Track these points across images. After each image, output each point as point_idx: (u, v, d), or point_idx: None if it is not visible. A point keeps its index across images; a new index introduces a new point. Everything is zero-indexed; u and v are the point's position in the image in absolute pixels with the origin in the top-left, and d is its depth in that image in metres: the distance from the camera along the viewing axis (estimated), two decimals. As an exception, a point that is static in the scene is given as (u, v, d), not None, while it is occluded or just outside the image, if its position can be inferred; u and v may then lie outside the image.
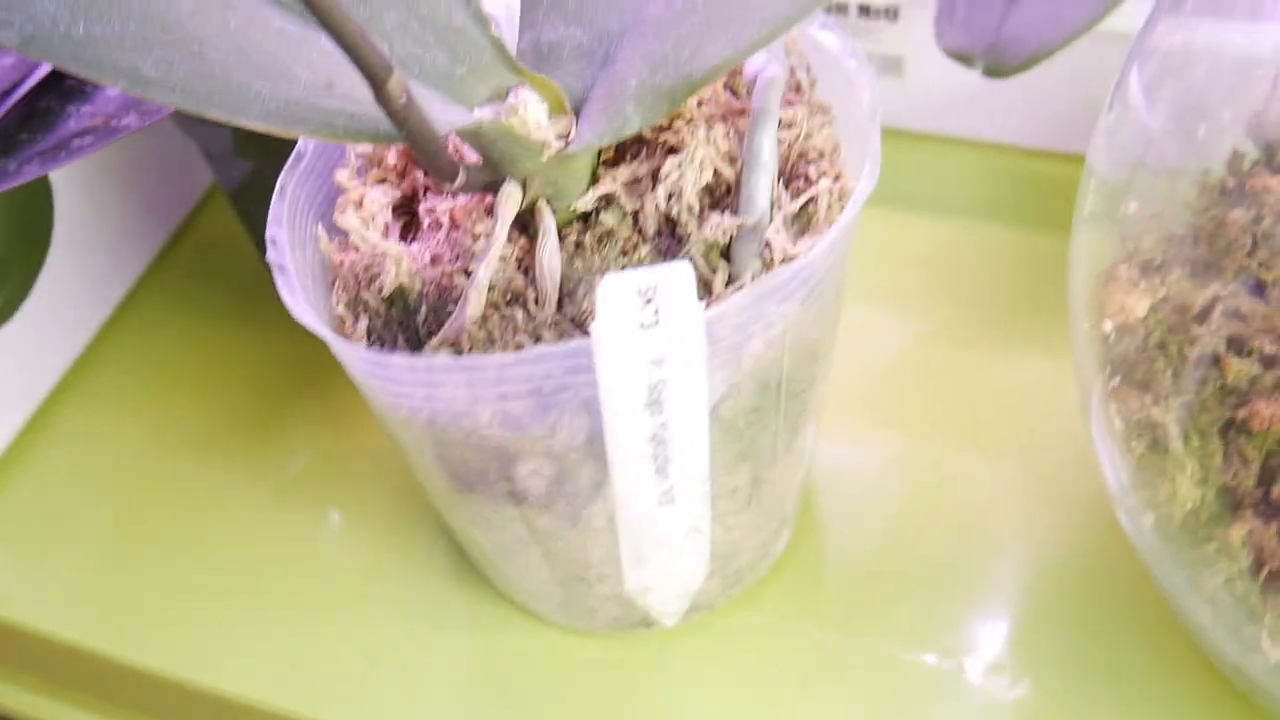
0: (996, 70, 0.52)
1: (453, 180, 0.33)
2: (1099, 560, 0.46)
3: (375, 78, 0.28)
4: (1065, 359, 0.52)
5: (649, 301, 0.30)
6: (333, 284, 0.38)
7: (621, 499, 0.37)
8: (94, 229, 0.57)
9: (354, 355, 0.33)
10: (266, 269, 0.35)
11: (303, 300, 0.34)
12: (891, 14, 0.60)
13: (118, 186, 0.58)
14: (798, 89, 0.39)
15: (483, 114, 0.33)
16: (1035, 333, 0.55)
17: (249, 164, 0.55)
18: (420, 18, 0.33)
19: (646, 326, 0.31)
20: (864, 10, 0.61)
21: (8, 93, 0.43)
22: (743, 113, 0.36)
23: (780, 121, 0.36)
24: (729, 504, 0.39)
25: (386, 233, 0.39)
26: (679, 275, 0.30)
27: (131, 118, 0.40)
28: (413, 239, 0.39)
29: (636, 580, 0.41)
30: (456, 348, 0.34)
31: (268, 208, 0.36)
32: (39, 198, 0.52)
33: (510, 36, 0.46)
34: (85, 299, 0.58)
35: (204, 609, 0.49)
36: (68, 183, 0.55)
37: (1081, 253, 0.40)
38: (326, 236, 0.38)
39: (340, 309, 0.38)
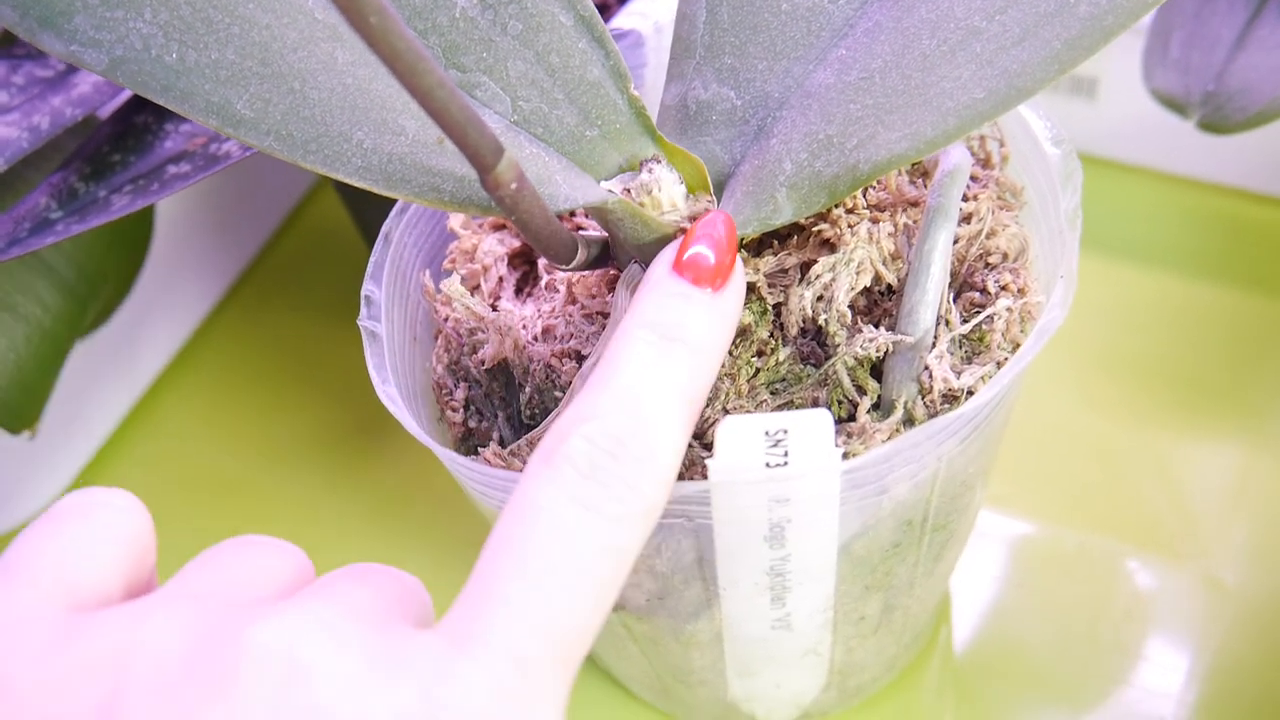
0: (1216, 125, 0.45)
1: (569, 263, 0.28)
2: None
3: (481, 161, 0.24)
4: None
5: (778, 443, 0.26)
6: (437, 337, 0.35)
7: (731, 620, 0.33)
8: (196, 226, 0.54)
9: (444, 457, 0.29)
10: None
11: (391, 380, 0.30)
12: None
13: (222, 179, 0.55)
14: (986, 162, 0.34)
15: (611, 190, 0.28)
16: (1240, 417, 0.47)
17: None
18: (550, 69, 0.29)
19: (773, 466, 0.26)
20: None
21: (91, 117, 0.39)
22: (915, 204, 0.31)
23: (959, 213, 0.30)
24: (854, 629, 0.35)
25: (500, 286, 0.34)
26: (815, 422, 0.25)
27: (232, 143, 0.36)
28: (529, 294, 0.35)
29: (741, 689, 0.37)
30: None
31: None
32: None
33: (650, 72, 0.41)
34: (184, 297, 0.55)
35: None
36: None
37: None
38: (433, 287, 0.34)
39: (440, 370, 0.34)
